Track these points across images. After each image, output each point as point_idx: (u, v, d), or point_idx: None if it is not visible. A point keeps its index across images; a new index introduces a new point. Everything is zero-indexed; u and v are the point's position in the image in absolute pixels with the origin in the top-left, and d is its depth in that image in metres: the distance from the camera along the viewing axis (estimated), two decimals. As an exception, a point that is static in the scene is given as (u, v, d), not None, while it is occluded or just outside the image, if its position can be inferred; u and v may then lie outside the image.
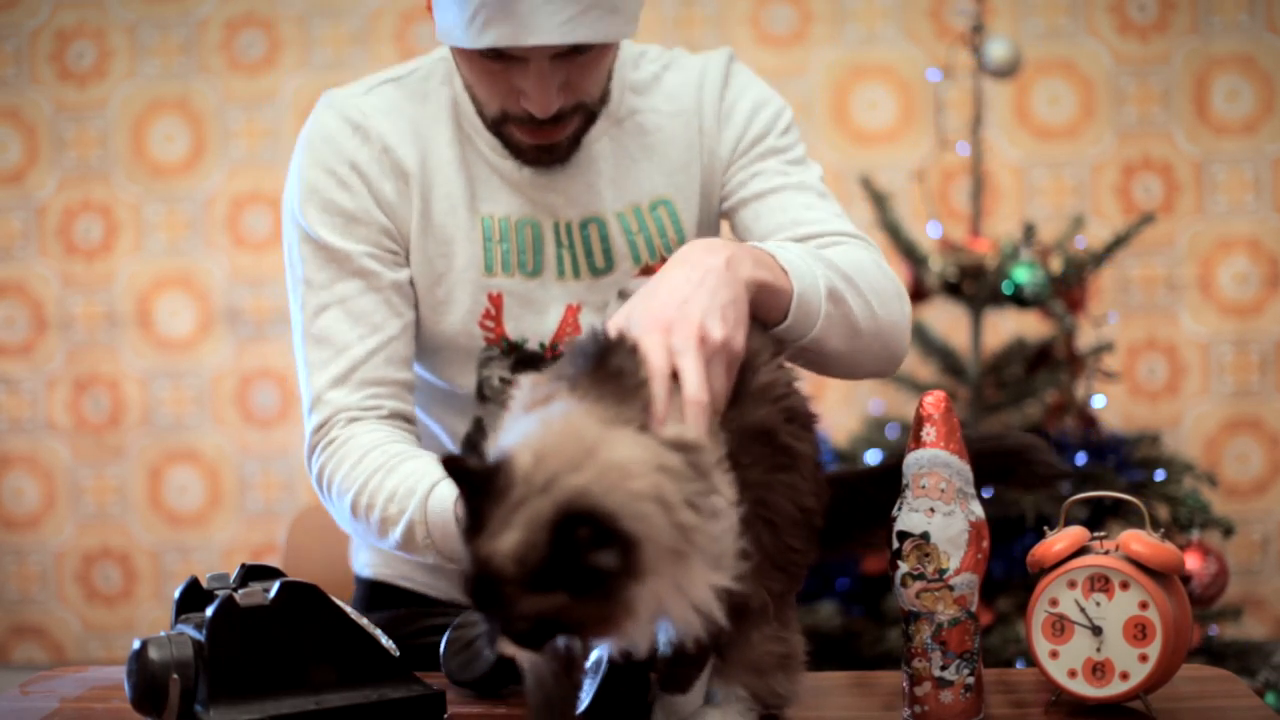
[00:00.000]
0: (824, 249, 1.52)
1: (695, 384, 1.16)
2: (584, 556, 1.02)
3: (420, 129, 1.59)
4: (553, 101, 1.47)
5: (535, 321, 1.60)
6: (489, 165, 1.59)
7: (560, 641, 1.11)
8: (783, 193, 1.60)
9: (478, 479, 1.07)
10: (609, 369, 1.15)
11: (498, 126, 1.54)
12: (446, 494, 1.41)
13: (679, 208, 1.61)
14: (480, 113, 1.57)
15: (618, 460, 1.07)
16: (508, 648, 1.07)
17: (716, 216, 1.64)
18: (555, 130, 1.52)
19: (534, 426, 1.10)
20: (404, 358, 1.57)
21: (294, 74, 3.15)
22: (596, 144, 1.60)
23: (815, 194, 1.63)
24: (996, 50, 2.62)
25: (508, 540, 1.04)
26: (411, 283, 1.59)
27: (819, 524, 1.26)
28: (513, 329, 1.60)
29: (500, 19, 1.41)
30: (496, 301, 1.59)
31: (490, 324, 1.59)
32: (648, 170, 1.61)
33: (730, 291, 1.24)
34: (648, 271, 1.59)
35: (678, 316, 1.21)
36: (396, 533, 1.44)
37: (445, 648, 1.38)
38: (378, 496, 1.46)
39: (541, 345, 1.60)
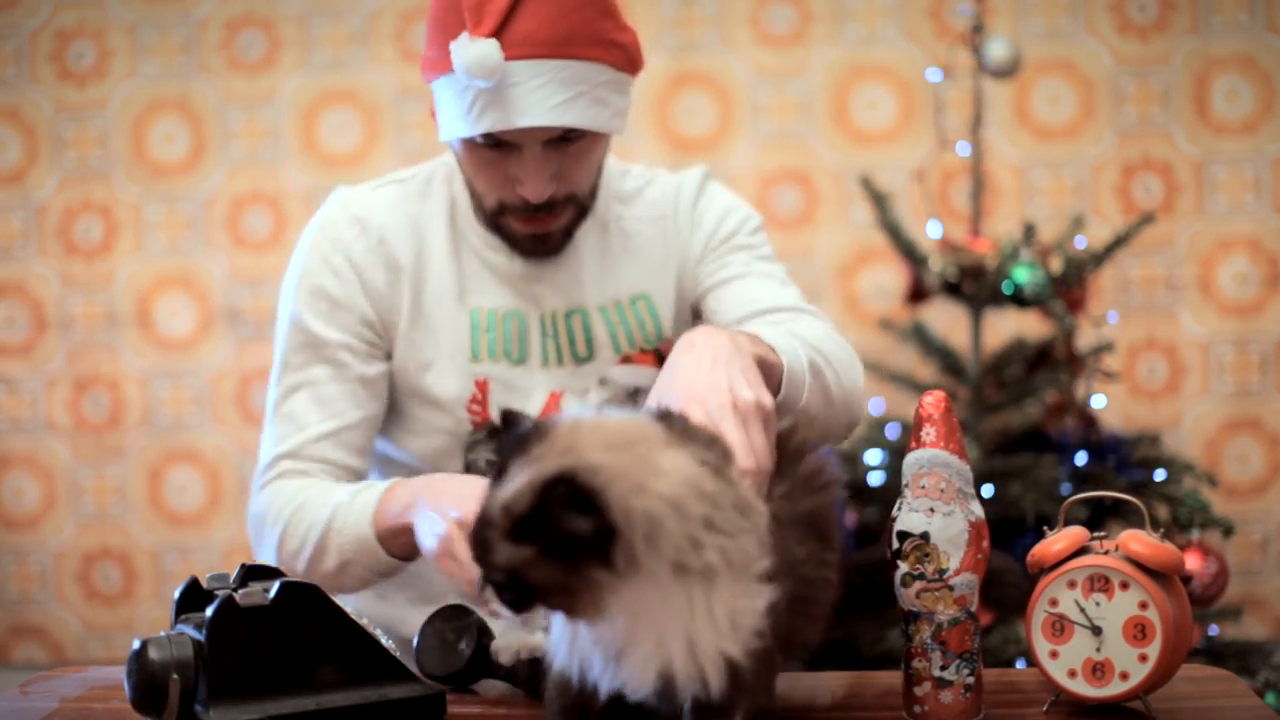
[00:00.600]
0: (784, 323, 1.62)
1: (742, 451, 1.22)
2: (558, 514, 1.04)
3: (418, 224, 1.71)
4: (545, 187, 1.59)
5: (519, 405, 1.68)
6: (480, 259, 1.70)
7: (564, 662, 1.13)
8: (747, 279, 1.73)
9: (519, 435, 1.10)
10: (673, 419, 1.17)
11: (496, 218, 1.65)
12: (369, 500, 1.54)
13: (657, 302, 1.72)
14: (480, 208, 1.67)
15: (654, 461, 1.08)
16: (491, 602, 1.09)
17: (690, 310, 1.75)
18: (549, 219, 1.64)
19: (599, 414, 1.13)
20: (358, 447, 1.67)
21: (294, 74, 3.16)
22: (583, 242, 1.71)
23: (777, 281, 1.74)
24: (996, 50, 2.62)
25: (507, 490, 1.07)
26: (391, 376, 1.69)
27: (833, 613, 1.29)
28: (497, 414, 1.67)
29: (495, 106, 1.53)
30: (483, 386, 1.68)
31: (477, 408, 1.68)
32: (628, 268, 1.73)
33: (742, 359, 1.32)
34: (627, 360, 1.71)
35: (706, 387, 1.27)
36: (314, 535, 1.56)
37: (419, 640, 1.39)
38: (307, 509, 1.58)
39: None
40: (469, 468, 1.68)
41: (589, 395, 1.69)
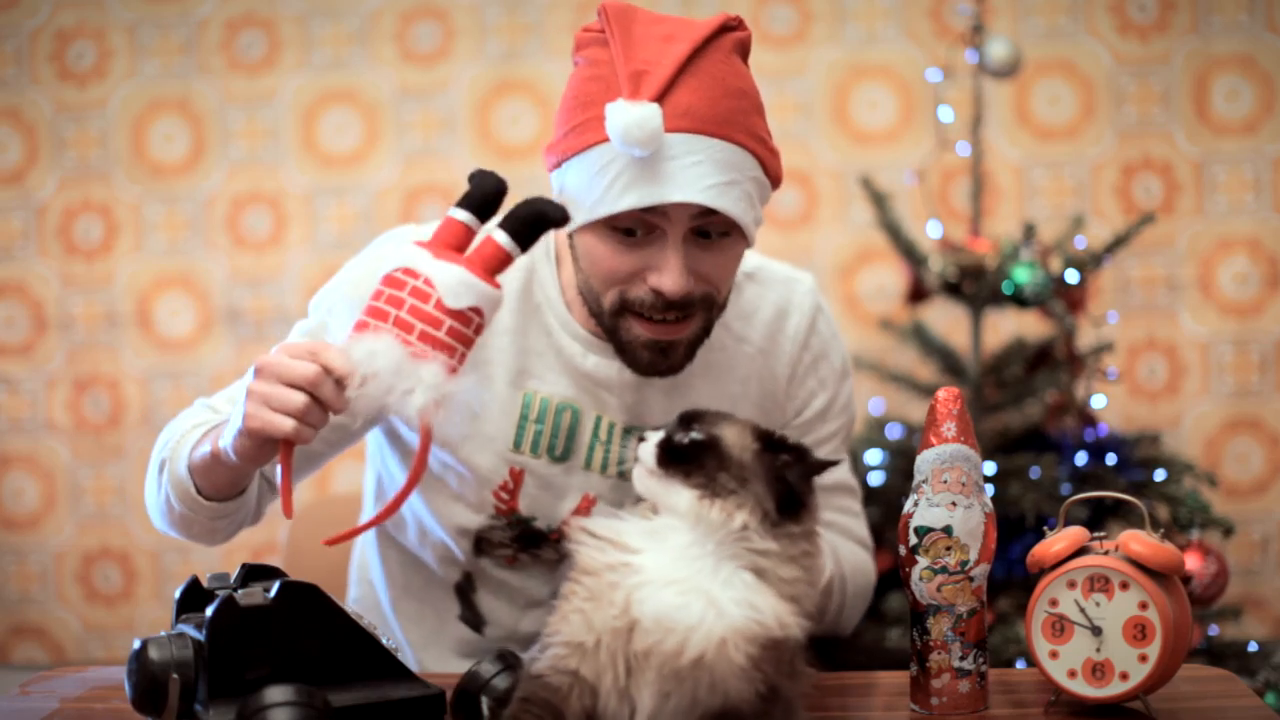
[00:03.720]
0: (835, 534, 1.69)
1: None
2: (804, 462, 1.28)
3: None
4: (686, 280, 1.44)
5: (550, 504, 1.60)
6: (549, 340, 1.58)
7: None
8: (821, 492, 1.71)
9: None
10: None
11: (615, 319, 1.50)
12: (196, 437, 1.51)
13: None
14: (595, 310, 1.52)
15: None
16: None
17: None
18: (677, 327, 1.49)
19: None
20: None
21: (294, 74, 3.16)
22: None
23: (846, 493, 1.77)
24: (996, 50, 2.62)
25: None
26: (392, 433, 1.62)
27: None
28: (525, 506, 1.60)
29: (646, 179, 1.41)
30: (517, 477, 1.59)
31: (505, 496, 1.59)
32: (700, 391, 1.61)
33: None
34: None
35: None
36: (155, 464, 1.55)
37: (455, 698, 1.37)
38: (172, 430, 1.59)
39: (549, 527, 1.61)
40: (480, 541, 1.62)
41: (624, 507, 1.58)
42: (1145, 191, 3.06)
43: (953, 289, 2.61)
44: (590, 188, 1.43)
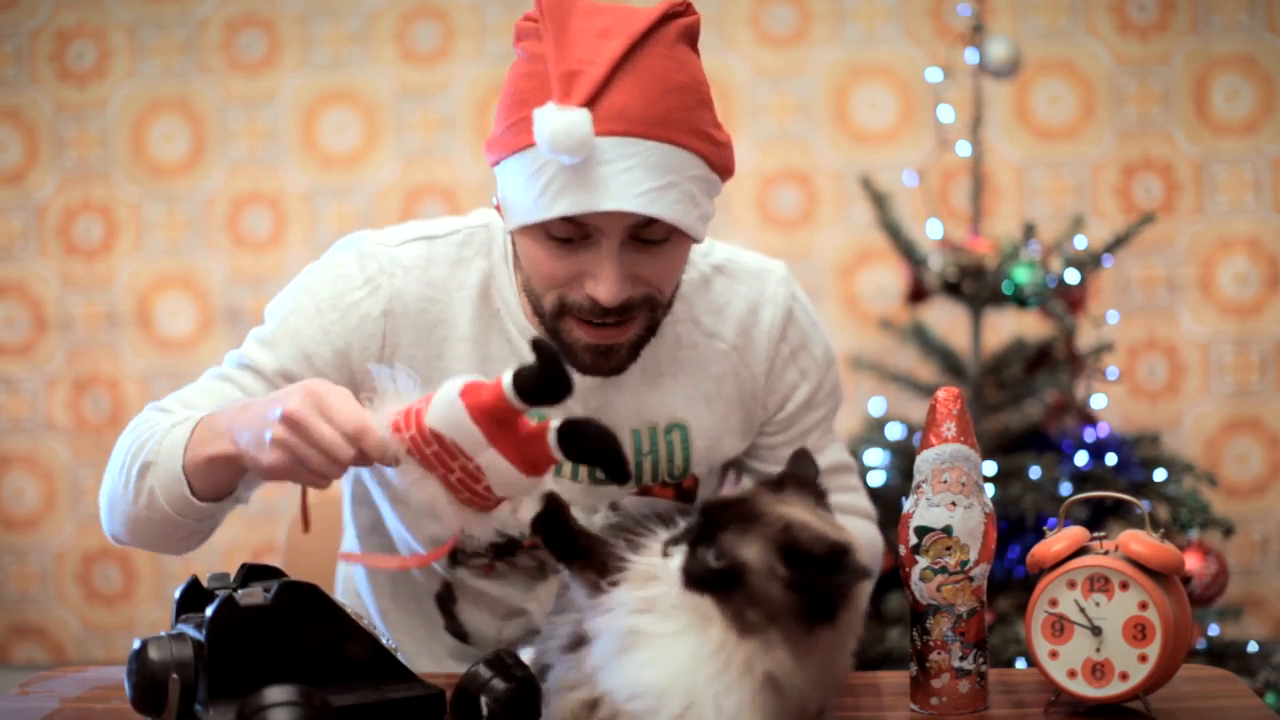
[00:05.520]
0: (850, 525, 1.63)
1: None
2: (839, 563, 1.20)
3: (440, 297, 1.54)
4: (621, 288, 1.40)
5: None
6: (510, 347, 1.54)
7: None
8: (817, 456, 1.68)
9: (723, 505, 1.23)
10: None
11: (555, 321, 1.45)
12: (183, 433, 1.43)
13: (692, 434, 1.58)
14: (537, 310, 1.48)
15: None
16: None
17: (722, 457, 1.63)
18: (618, 330, 1.44)
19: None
20: None
21: (294, 74, 3.16)
22: None
23: (846, 471, 1.71)
24: (996, 50, 2.62)
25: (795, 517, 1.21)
26: None
27: None
28: (497, 516, 1.52)
29: (577, 186, 1.35)
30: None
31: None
32: (671, 390, 1.57)
33: None
34: (645, 492, 1.58)
35: None
36: (135, 463, 1.49)
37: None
38: (141, 430, 1.51)
39: (522, 534, 1.56)
40: (455, 551, 1.59)
41: (596, 515, 1.56)
42: (1145, 191, 3.06)
43: (953, 289, 2.61)
44: (525, 192, 1.38)
